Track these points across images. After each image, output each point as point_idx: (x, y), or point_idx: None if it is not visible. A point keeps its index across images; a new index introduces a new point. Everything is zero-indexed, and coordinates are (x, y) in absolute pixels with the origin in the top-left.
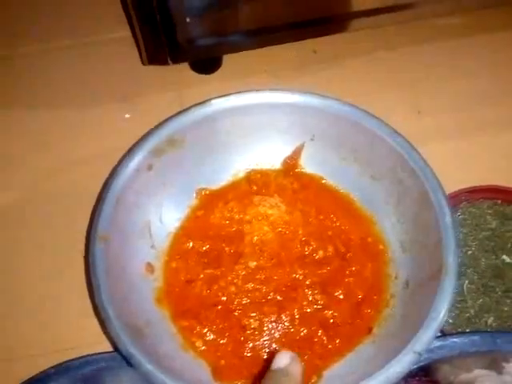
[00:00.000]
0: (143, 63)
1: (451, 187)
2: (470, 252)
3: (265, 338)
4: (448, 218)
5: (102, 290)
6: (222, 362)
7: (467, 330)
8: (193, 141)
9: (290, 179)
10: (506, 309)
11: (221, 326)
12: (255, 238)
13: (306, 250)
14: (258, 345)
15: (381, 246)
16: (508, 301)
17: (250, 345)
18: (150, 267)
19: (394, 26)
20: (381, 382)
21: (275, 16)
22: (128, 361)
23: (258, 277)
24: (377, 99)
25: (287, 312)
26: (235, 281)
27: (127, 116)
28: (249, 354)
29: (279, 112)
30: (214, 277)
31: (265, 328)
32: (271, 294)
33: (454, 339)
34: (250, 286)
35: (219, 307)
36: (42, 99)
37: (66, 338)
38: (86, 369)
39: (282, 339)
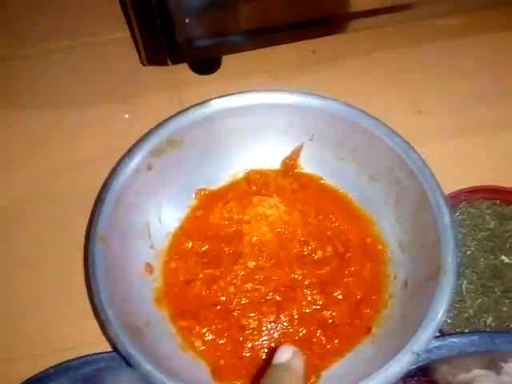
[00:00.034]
0: (143, 64)
1: (451, 187)
2: (468, 252)
3: (264, 338)
4: (446, 218)
5: (102, 291)
6: (221, 362)
7: (466, 330)
8: (192, 141)
9: (289, 179)
10: (504, 309)
11: (220, 326)
12: (254, 238)
13: (305, 250)
14: (257, 345)
15: (380, 246)
16: (507, 301)
17: (249, 345)
18: (149, 267)
19: (393, 27)
20: (379, 382)
21: (274, 16)
22: (127, 361)
23: (257, 277)
24: (376, 99)
25: (286, 312)
26: (234, 281)
27: (127, 116)
28: (248, 354)
29: (278, 112)
30: (213, 277)
31: (264, 328)
32: (270, 294)
33: (453, 339)
34: (249, 286)
35: (218, 307)
36: (42, 99)
37: (66, 338)
38: (85, 369)
39: (280, 339)
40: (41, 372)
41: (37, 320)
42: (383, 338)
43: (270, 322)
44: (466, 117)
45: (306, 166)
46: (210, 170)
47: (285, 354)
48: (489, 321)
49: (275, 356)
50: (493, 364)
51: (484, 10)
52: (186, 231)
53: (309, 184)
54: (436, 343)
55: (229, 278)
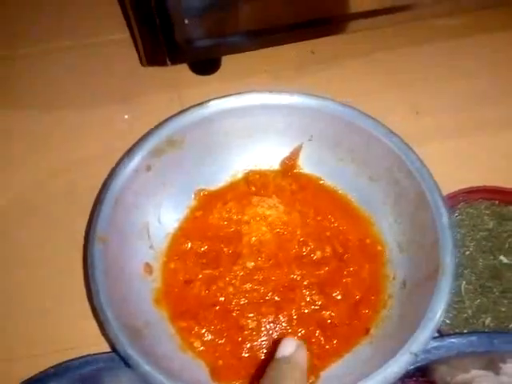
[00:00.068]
0: (142, 64)
1: (450, 187)
2: (467, 252)
3: (263, 339)
4: (445, 219)
5: (101, 291)
6: (220, 362)
7: (465, 331)
8: (192, 141)
9: (288, 180)
10: (503, 309)
11: (219, 327)
12: (253, 238)
13: (304, 250)
14: (256, 345)
15: (379, 247)
16: (505, 301)
17: (248, 345)
18: (148, 268)
19: (393, 27)
20: (378, 382)
21: (274, 17)
22: (126, 362)
23: (256, 277)
24: (376, 99)
25: (285, 312)
26: (233, 281)
27: (126, 117)
28: (247, 355)
29: (277, 113)
30: (213, 277)
31: (263, 328)
32: (269, 294)
33: (452, 340)
34: (248, 286)
35: (217, 308)
36: (42, 99)
37: (66, 338)
38: (85, 369)
39: (279, 339)
40: (41, 372)
41: (37, 320)
42: (382, 339)
43: (269, 323)
44: (465, 117)
45: (305, 166)
46: (209, 170)
47: (288, 348)
48: (487, 321)
49: (278, 349)
50: (491, 364)
51: (484, 10)
52: (185, 232)
53: (308, 184)
54: (434, 344)
55: (228, 279)
